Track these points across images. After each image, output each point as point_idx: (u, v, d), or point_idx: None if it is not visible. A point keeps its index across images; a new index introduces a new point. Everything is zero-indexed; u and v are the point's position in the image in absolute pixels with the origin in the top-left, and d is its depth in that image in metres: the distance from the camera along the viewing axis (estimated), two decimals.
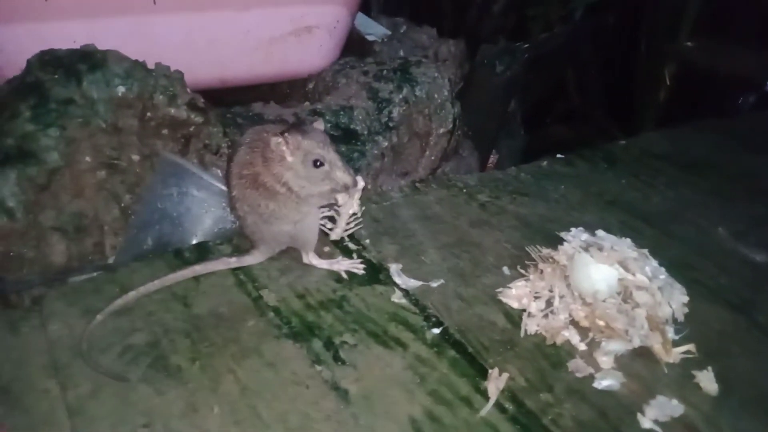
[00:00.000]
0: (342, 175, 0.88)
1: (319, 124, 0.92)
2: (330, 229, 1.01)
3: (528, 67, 2.23)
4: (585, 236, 0.93)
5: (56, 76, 1.12)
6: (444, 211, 1.16)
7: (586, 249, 0.90)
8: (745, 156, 1.50)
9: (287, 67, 1.56)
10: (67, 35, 1.21)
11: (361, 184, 0.93)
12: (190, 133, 1.21)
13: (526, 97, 2.35)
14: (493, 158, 2.19)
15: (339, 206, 0.96)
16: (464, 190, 1.24)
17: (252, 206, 0.90)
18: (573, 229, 0.98)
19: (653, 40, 2.47)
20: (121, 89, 1.14)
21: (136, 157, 1.15)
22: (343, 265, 0.96)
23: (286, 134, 0.86)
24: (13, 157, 1.05)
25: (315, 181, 0.88)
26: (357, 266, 0.96)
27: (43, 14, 1.21)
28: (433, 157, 1.64)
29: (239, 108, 1.45)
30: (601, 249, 0.89)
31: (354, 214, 0.98)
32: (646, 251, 0.94)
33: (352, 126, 1.45)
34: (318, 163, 0.87)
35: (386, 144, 1.48)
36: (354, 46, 1.83)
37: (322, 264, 0.96)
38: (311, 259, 0.96)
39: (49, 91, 1.11)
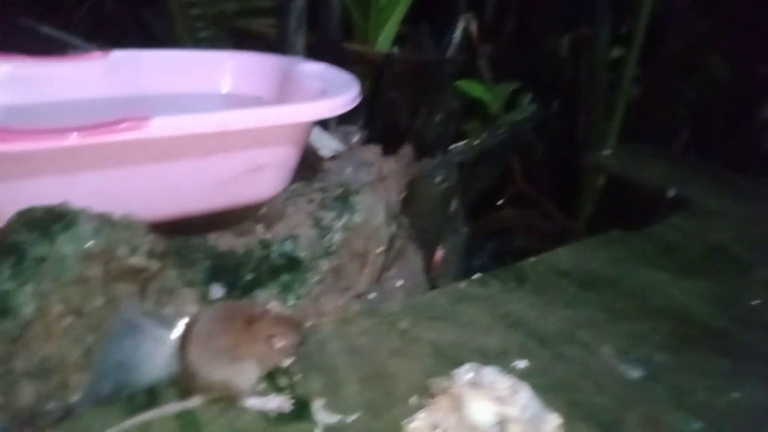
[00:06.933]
0: None
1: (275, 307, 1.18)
2: None
3: (467, 170, 2.51)
4: (471, 375, 1.13)
5: (33, 236, 1.31)
6: (367, 342, 1.35)
7: (472, 384, 1.10)
8: (641, 271, 1.73)
9: (241, 198, 1.77)
10: (42, 193, 1.41)
11: None
12: (148, 276, 1.40)
13: (468, 195, 2.62)
14: (439, 253, 2.42)
15: None
16: (387, 319, 1.43)
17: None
18: (467, 364, 1.17)
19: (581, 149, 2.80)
20: (89, 245, 1.33)
21: (99, 302, 1.32)
22: (272, 403, 1.13)
23: None
24: None
25: None
26: (285, 405, 1.13)
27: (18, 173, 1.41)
28: (372, 272, 1.84)
29: (196, 240, 1.65)
30: (480, 385, 1.08)
31: None
32: (525, 384, 1.13)
33: (295, 254, 1.65)
34: None
35: (327, 267, 1.69)
36: (307, 163, 2.06)
37: (255, 404, 1.13)
38: (246, 401, 1.13)
39: (26, 251, 1.29)
